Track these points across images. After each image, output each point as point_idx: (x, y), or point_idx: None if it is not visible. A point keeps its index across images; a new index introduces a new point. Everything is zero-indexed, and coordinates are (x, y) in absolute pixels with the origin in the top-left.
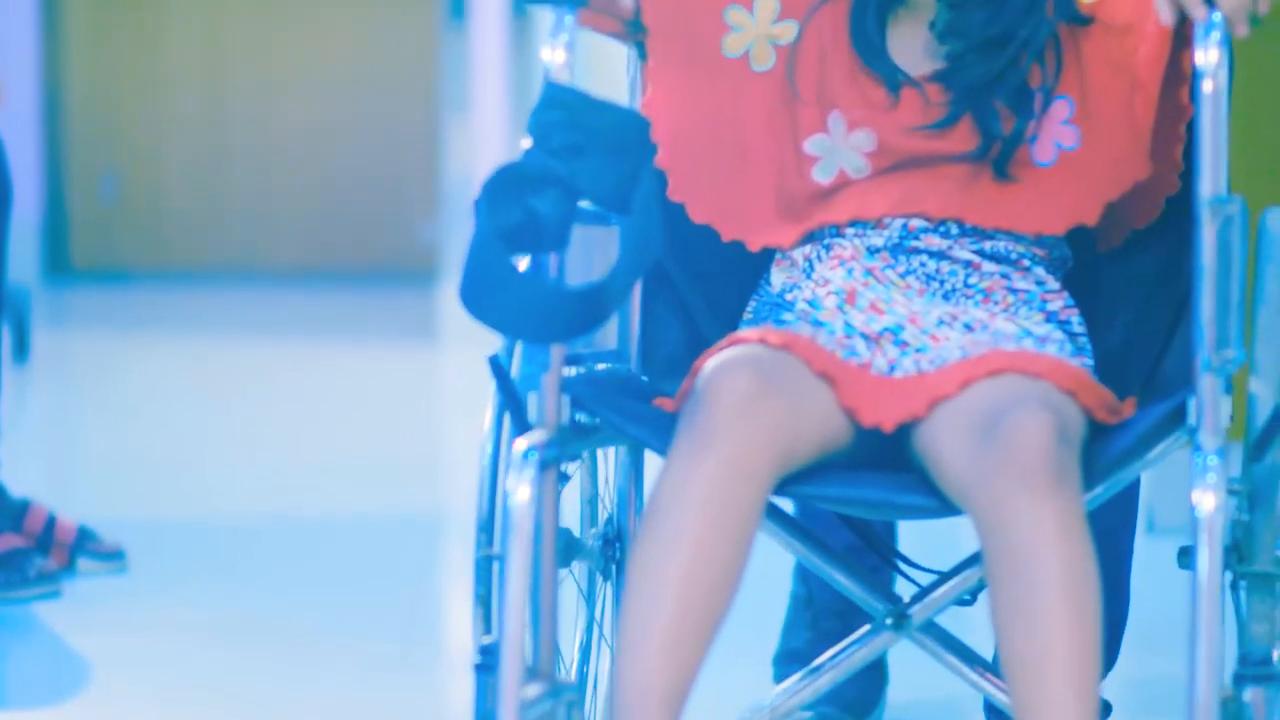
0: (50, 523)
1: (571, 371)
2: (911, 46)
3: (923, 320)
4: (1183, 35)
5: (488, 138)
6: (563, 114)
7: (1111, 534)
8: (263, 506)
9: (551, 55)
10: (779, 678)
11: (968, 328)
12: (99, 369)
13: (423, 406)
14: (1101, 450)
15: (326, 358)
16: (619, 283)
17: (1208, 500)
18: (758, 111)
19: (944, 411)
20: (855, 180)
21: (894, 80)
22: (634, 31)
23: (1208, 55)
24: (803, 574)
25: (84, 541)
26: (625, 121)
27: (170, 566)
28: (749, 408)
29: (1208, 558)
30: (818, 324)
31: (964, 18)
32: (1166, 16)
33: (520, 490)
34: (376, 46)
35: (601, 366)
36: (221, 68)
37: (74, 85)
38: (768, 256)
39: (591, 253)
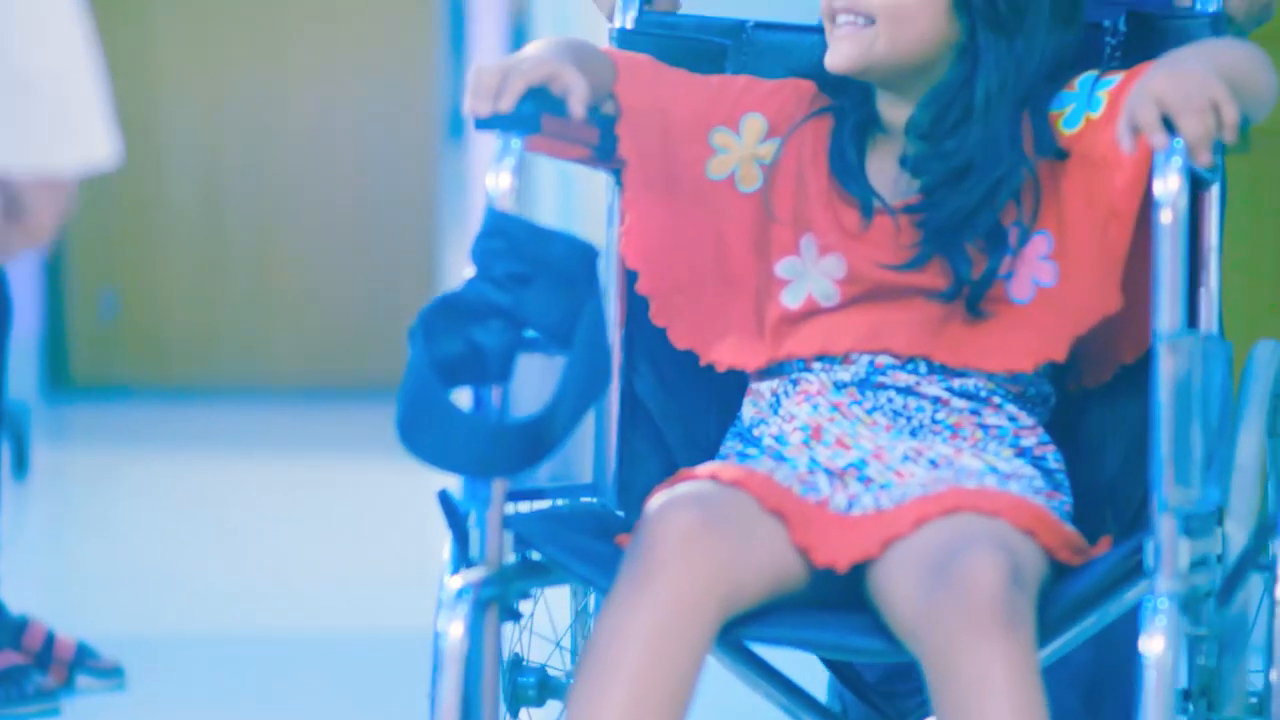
0: (49, 640)
1: (527, 507)
2: (890, 172)
3: (888, 456)
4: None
5: None
6: (505, 243)
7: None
8: (262, 623)
9: (496, 181)
10: None
11: (933, 464)
12: (98, 485)
13: (420, 525)
14: (1061, 592)
15: (326, 474)
16: (562, 416)
17: (1155, 645)
18: (741, 232)
19: (897, 551)
20: (824, 309)
21: (868, 205)
22: (604, 159)
23: (1167, 184)
24: (838, 691)
25: (83, 658)
26: (572, 250)
27: (169, 683)
28: (692, 545)
29: (1155, 706)
30: (781, 459)
31: (933, 149)
32: (1128, 144)
33: (452, 628)
34: (376, 165)
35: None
36: (220, 185)
37: (73, 200)
38: (743, 389)
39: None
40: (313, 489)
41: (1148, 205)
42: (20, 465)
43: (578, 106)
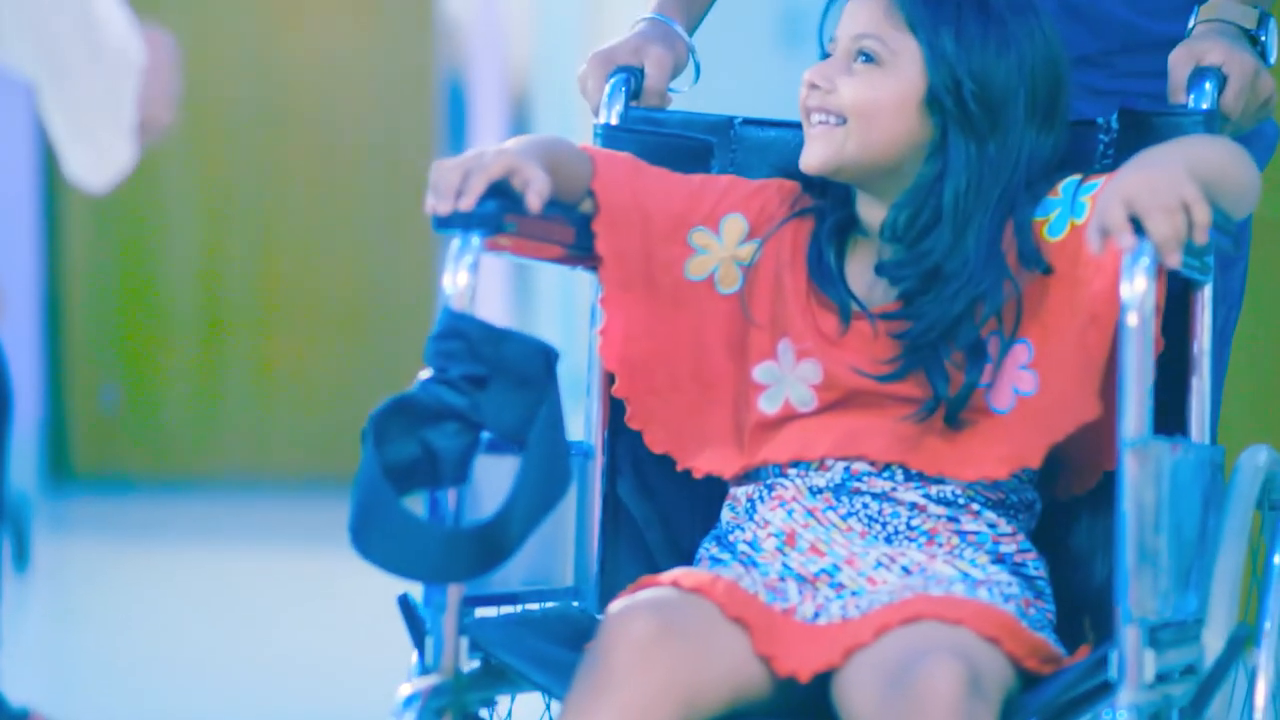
0: None
1: (495, 611)
2: (869, 276)
3: (860, 562)
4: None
5: None
6: (461, 344)
7: None
8: (263, 716)
9: (452, 280)
10: None
11: (905, 570)
12: (99, 577)
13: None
14: (1026, 702)
15: (327, 566)
16: (518, 520)
17: None
18: (720, 335)
19: (858, 660)
20: (801, 414)
21: (846, 309)
22: (580, 257)
23: (1134, 286)
24: None
25: None
26: (530, 351)
27: None
28: (649, 653)
29: None
30: (753, 565)
31: (908, 253)
32: (1096, 245)
33: None
34: (375, 258)
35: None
36: (220, 277)
37: (74, 294)
38: (724, 492)
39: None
40: (313, 581)
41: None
42: (21, 557)
43: (534, 200)
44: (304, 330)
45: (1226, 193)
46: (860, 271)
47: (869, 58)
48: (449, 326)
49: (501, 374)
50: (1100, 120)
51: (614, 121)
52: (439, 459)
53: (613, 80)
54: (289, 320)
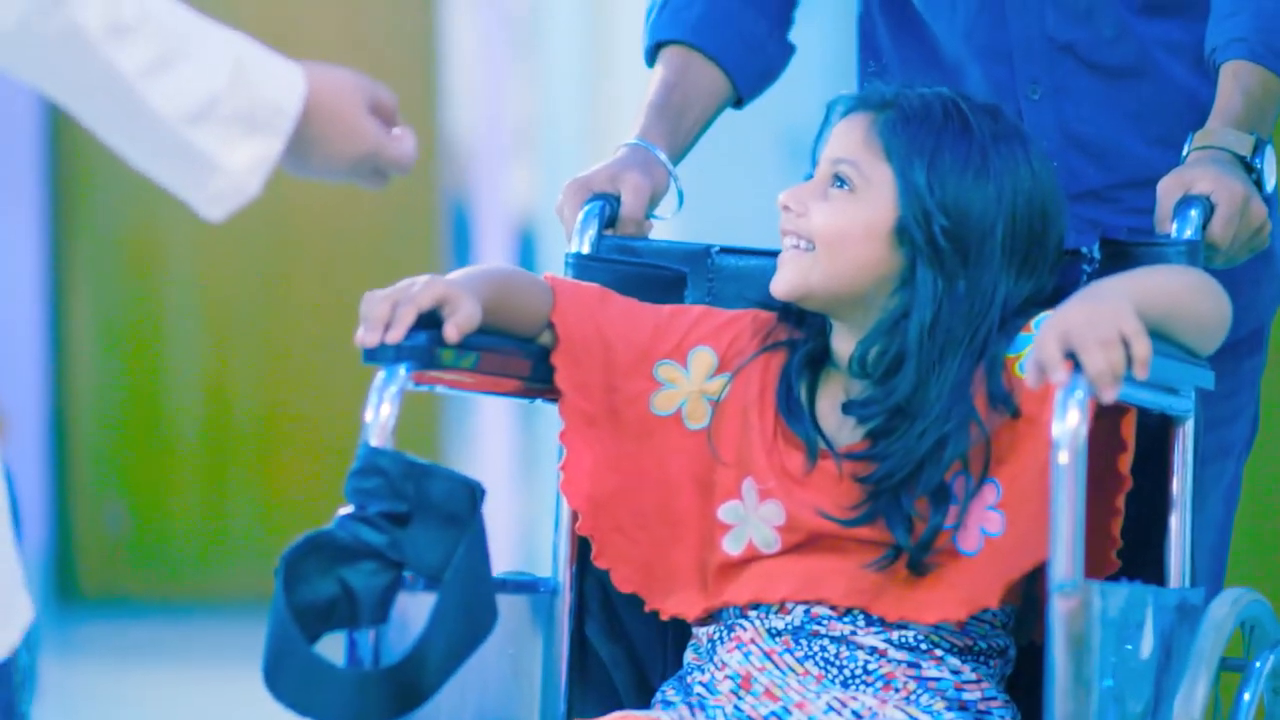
0: None
1: None
2: (839, 413)
3: (811, 706)
4: (1118, 404)
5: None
6: (380, 481)
7: None
8: None
9: (374, 414)
10: None
11: (857, 715)
12: (106, 700)
13: None
14: None
15: None
16: (435, 661)
17: None
18: (686, 472)
19: None
20: (764, 555)
21: (813, 447)
22: (538, 388)
23: (1065, 423)
24: None
25: None
26: (455, 488)
27: None
28: None
29: None
30: (701, 707)
31: (875, 389)
32: (1031, 380)
33: None
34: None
35: None
36: (226, 399)
37: (79, 415)
38: (691, 632)
39: None
40: None
41: (1103, 447)
42: (29, 681)
43: (450, 331)
44: (309, 453)
45: (1186, 325)
46: (831, 407)
47: (843, 183)
48: (367, 462)
49: (424, 511)
50: (1084, 250)
51: (585, 250)
52: (357, 598)
53: (586, 208)
54: (294, 443)
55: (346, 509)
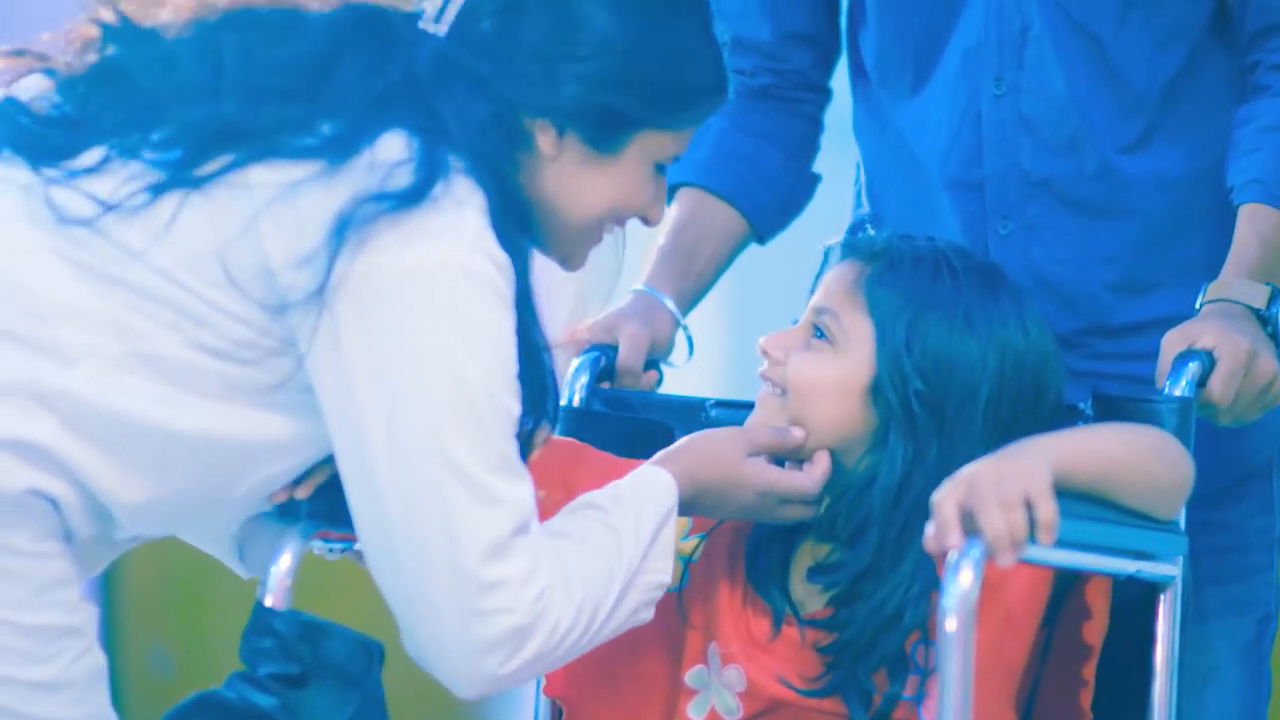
0: None
1: None
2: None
3: None
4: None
5: None
6: (272, 641)
7: None
8: None
9: (276, 568)
10: None
11: None
12: None
13: None
14: None
15: None
16: None
17: None
18: (657, 635)
19: None
20: None
21: (779, 614)
22: None
23: (955, 588)
24: None
25: None
26: (354, 649)
27: None
28: None
29: None
30: None
31: (841, 553)
32: (930, 542)
33: None
34: None
35: None
36: None
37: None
38: None
39: None
40: None
41: (1070, 612)
42: None
43: None
44: (351, 593)
45: (1129, 488)
46: (800, 571)
47: (821, 334)
48: (259, 622)
49: (322, 673)
50: (1082, 405)
51: (575, 403)
52: None
53: (579, 360)
54: (336, 583)
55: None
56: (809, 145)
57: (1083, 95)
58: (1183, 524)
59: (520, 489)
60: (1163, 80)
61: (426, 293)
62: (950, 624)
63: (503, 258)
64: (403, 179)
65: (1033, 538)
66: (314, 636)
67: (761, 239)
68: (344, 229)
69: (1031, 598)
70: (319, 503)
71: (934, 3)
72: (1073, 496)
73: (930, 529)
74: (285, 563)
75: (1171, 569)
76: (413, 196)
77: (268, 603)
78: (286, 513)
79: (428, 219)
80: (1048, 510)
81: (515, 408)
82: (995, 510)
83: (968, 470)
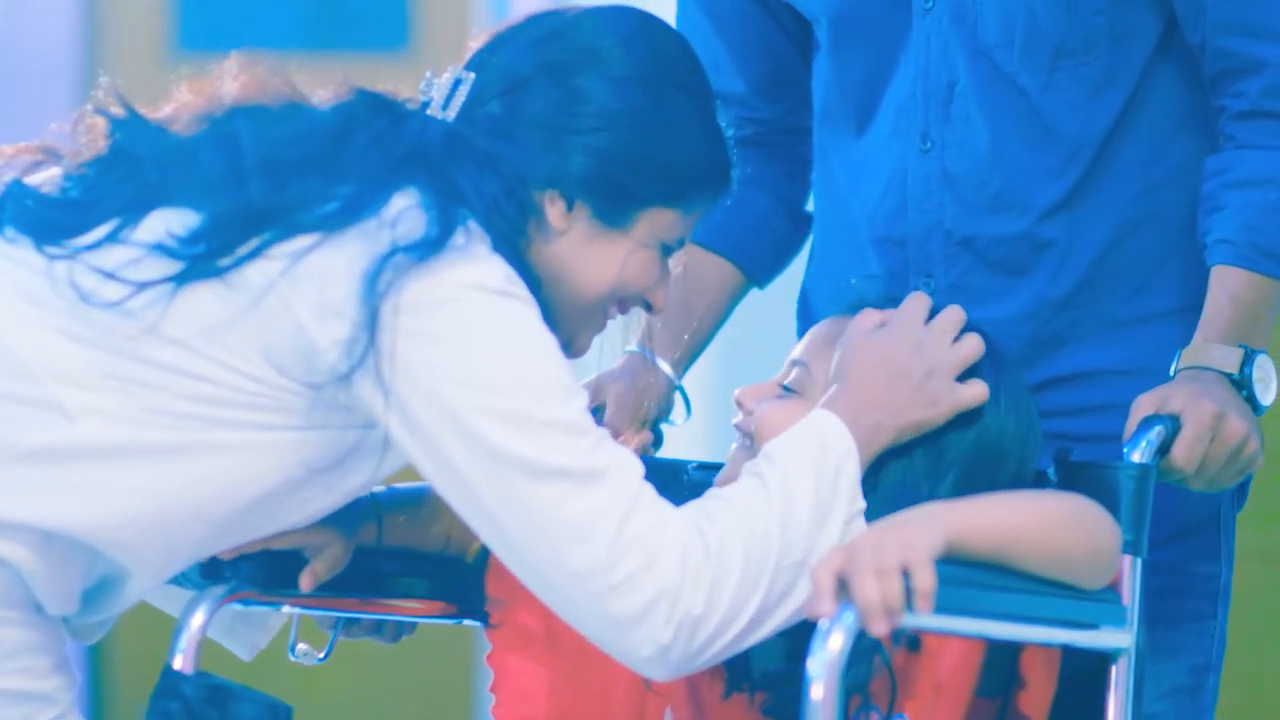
0: None
1: None
2: None
3: None
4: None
5: None
6: (178, 705)
7: None
8: None
9: (186, 629)
10: None
11: None
12: None
13: None
14: None
15: None
16: None
17: None
18: (624, 697)
19: None
20: None
21: (733, 677)
22: (468, 616)
23: (822, 655)
24: None
25: None
26: (262, 712)
27: None
28: None
29: None
30: None
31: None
32: (807, 610)
33: None
34: None
35: None
36: None
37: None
38: None
39: None
40: None
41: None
42: None
43: (306, 578)
44: (357, 659)
45: (1036, 558)
46: None
47: (788, 389)
48: (166, 685)
49: None
50: (1048, 470)
51: None
52: None
53: None
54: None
55: None
56: (798, 184)
57: (1008, 153)
58: (1136, 591)
59: (616, 455)
60: (1099, 129)
61: (464, 323)
62: (816, 691)
63: (532, 299)
64: (420, 228)
65: (911, 606)
66: (222, 700)
67: (760, 284)
68: (374, 285)
69: (963, 667)
70: (244, 566)
71: (873, 55)
72: (971, 565)
73: (806, 595)
74: (196, 622)
75: (1119, 639)
76: (437, 243)
77: (176, 665)
78: (209, 574)
79: (456, 267)
80: (924, 578)
81: (581, 394)
82: (869, 578)
83: (851, 538)
